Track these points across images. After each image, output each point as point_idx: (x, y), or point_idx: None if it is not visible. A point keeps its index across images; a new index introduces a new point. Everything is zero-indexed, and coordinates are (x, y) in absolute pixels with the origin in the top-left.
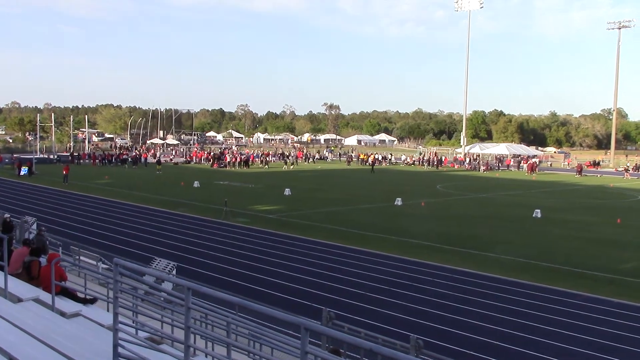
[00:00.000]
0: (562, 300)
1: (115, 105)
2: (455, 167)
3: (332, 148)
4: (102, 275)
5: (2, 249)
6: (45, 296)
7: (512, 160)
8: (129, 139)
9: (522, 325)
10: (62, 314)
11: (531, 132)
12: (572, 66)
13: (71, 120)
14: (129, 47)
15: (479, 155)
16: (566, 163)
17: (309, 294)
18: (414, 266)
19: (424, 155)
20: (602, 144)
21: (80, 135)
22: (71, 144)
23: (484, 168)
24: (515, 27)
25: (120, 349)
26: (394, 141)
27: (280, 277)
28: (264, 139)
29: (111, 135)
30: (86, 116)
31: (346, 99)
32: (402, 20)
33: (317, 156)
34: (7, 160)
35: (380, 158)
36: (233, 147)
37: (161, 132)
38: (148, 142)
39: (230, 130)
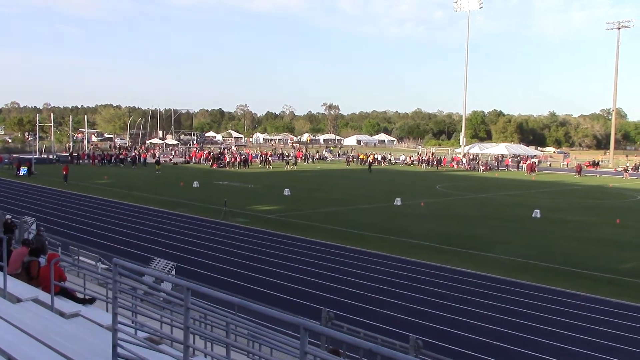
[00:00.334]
0: (561, 300)
1: (114, 105)
2: (455, 167)
3: (332, 148)
4: (102, 275)
5: (2, 249)
6: (45, 296)
7: (511, 160)
8: (128, 139)
9: (521, 325)
10: (61, 314)
11: (530, 132)
12: (571, 66)
13: (70, 120)
14: (129, 47)
15: (476, 155)
16: (565, 163)
17: (308, 294)
18: (414, 266)
19: (422, 155)
20: (601, 144)
21: (79, 135)
22: (70, 144)
23: (483, 168)
24: (515, 27)
25: (119, 349)
26: (393, 141)
27: (280, 277)
28: (264, 139)
29: (110, 136)
30: (85, 116)
31: (346, 99)
32: (402, 21)
33: (316, 156)
34: (6, 161)
35: (379, 158)
36: (232, 147)
37: (160, 132)
38: (147, 142)
39: (229, 131)
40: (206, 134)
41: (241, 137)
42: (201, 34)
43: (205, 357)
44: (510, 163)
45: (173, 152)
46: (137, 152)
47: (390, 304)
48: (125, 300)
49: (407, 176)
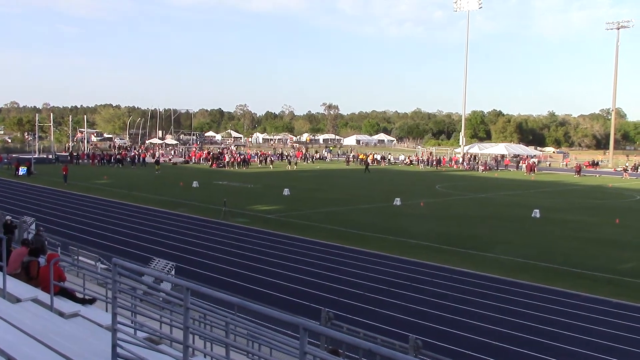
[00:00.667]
0: (561, 301)
1: (114, 105)
2: (455, 167)
3: (331, 148)
4: (101, 275)
5: (1, 249)
6: (44, 296)
7: (510, 160)
8: (127, 139)
9: (521, 325)
10: (61, 314)
11: (530, 132)
12: (571, 66)
13: (70, 120)
14: (128, 47)
15: (474, 155)
16: (564, 163)
17: (308, 294)
18: (413, 266)
19: (421, 154)
20: (600, 144)
21: (79, 135)
22: (70, 144)
23: (482, 168)
24: (514, 27)
25: (119, 349)
26: (392, 141)
27: (279, 277)
28: (263, 139)
29: (110, 135)
30: (85, 116)
31: (345, 99)
32: (401, 21)
33: (316, 156)
34: (5, 161)
35: (379, 158)
36: (232, 147)
37: (160, 132)
38: (147, 142)
39: (229, 130)
40: (206, 134)
41: (241, 137)
42: (201, 34)
43: (205, 357)
44: (509, 163)
45: (172, 152)
46: (136, 152)
47: (390, 304)
48: (125, 300)
49: (406, 176)
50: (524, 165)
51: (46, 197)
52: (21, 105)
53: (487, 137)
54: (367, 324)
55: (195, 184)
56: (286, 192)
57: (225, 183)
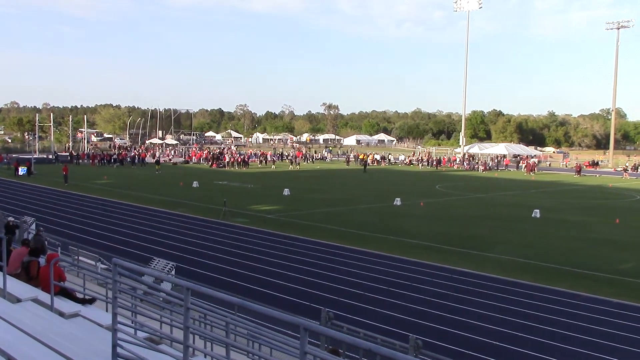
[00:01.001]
0: (561, 301)
1: (114, 105)
2: (455, 167)
3: (331, 148)
4: (101, 275)
5: (1, 249)
6: (44, 296)
7: (510, 160)
8: (127, 139)
9: (521, 326)
10: (61, 314)
11: (530, 132)
12: (571, 66)
13: (70, 120)
14: (128, 47)
15: (473, 156)
16: (564, 163)
17: (308, 294)
18: (413, 266)
19: (419, 154)
20: (600, 144)
21: (79, 135)
22: (70, 143)
23: (482, 168)
24: (514, 27)
25: (119, 349)
26: (393, 141)
27: (279, 277)
28: (263, 139)
29: (110, 135)
30: (85, 116)
31: (345, 99)
32: (401, 21)
33: (315, 156)
34: (5, 161)
35: (378, 158)
36: (232, 147)
37: (160, 132)
38: (147, 142)
39: (229, 130)
40: (206, 134)
41: (241, 137)
42: (201, 34)
43: (205, 357)
44: (509, 163)
45: (173, 152)
46: (136, 152)
47: (390, 304)
48: (125, 300)
49: (406, 176)
50: (524, 165)
51: (46, 197)
52: (21, 105)
53: (487, 137)
54: (367, 323)
55: (195, 184)
56: (286, 192)
57: (225, 183)
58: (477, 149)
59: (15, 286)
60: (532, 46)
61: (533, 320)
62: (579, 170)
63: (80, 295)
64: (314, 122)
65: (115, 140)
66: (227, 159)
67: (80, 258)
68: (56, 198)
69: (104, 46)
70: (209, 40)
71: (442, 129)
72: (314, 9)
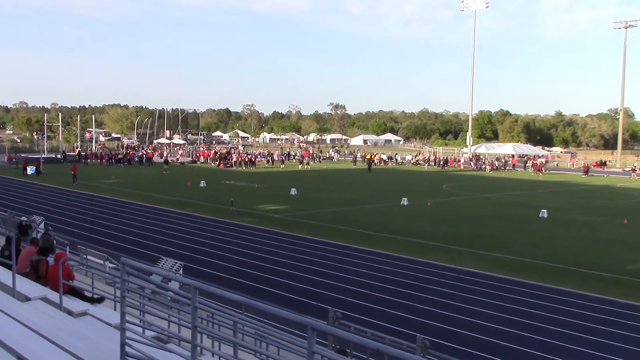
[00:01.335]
0: (569, 301)
1: (122, 105)
2: (462, 167)
3: (338, 148)
4: (109, 274)
5: (11, 248)
6: (53, 295)
7: (517, 160)
8: (135, 138)
9: (528, 326)
10: (70, 313)
11: (537, 132)
12: (578, 66)
13: (78, 120)
14: (136, 47)
15: (479, 155)
16: (572, 163)
17: (316, 293)
18: (421, 266)
19: (424, 154)
20: (608, 144)
21: (87, 134)
22: (78, 143)
23: (489, 168)
24: (521, 27)
25: (127, 348)
26: (399, 141)
27: (287, 277)
28: (270, 138)
29: (118, 135)
30: (93, 116)
31: (352, 99)
32: (408, 21)
33: (322, 156)
34: (14, 160)
35: (385, 158)
36: (239, 146)
37: (168, 132)
38: (155, 141)
39: (236, 130)
40: (213, 134)
41: (248, 137)
42: (208, 34)
43: (213, 356)
44: (517, 163)
45: (180, 151)
46: (144, 152)
47: (398, 303)
48: (133, 299)
49: (413, 176)
50: (531, 165)
51: (55, 197)
52: (30, 105)
53: (494, 137)
54: (374, 323)
55: (202, 183)
56: (293, 191)
57: (232, 183)
58: (484, 148)
59: (25, 285)
60: (539, 46)
61: (540, 320)
62: (586, 170)
63: (88, 294)
64: (321, 122)
65: (123, 140)
66: (234, 159)
67: (89, 257)
68: (65, 197)
69: (111, 47)
70: (216, 41)
71: (449, 128)
72: (321, 9)
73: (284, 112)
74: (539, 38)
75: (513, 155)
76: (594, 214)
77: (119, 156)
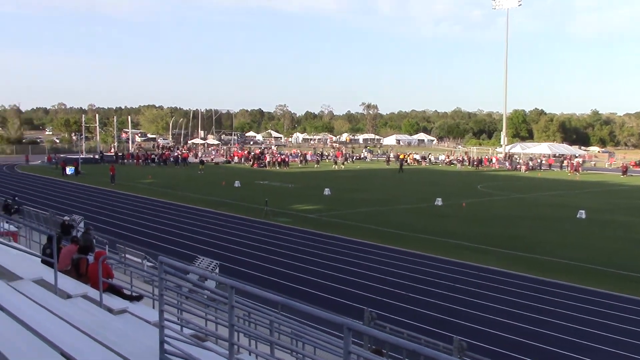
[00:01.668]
0: (605, 303)
1: (157, 106)
2: (496, 167)
3: (371, 148)
4: (148, 273)
5: (52, 246)
6: (93, 293)
7: (554, 159)
8: (170, 139)
9: (562, 327)
10: (110, 310)
11: (573, 132)
12: (614, 64)
13: (115, 120)
14: (171, 49)
15: (512, 155)
16: (610, 163)
17: (351, 293)
18: (455, 267)
19: (458, 154)
20: None
21: (123, 135)
22: (115, 144)
23: (524, 168)
24: (555, 24)
25: (166, 346)
26: (432, 141)
27: (321, 277)
28: (303, 138)
29: (154, 136)
30: (129, 117)
31: (384, 98)
32: (439, 20)
33: (355, 156)
34: (54, 160)
35: (418, 158)
36: (272, 147)
37: (202, 132)
38: (189, 142)
39: (269, 130)
40: (246, 134)
41: (281, 137)
42: (242, 35)
43: (250, 354)
44: (553, 163)
45: (214, 152)
46: (179, 152)
47: (433, 304)
48: (171, 297)
49: (446, 176)
50: (567, 165)
51: (94, 196)
52: (68, 107)
53: (529, 136)
54: (408, 323)
55: (237, 183)
56: (327, 192)
57: (266, 183)
58: (519, 148)
59: (66, 283)
60: (573, 43)
61: (571, 321)
62: (625, 170)
63: (127, 292)
64: (353, 122)
65: (159, 140)
66: (268, 159)
67: (127, 256)
68: (103, 197)
69: (147, 49)
70: (250, 42)
71: (483, 128)
72: (353, 10)
73: (316, 113)
74: (573, 36)
75: (549, 155)
76: (632, 214)
77: (153, 156)
